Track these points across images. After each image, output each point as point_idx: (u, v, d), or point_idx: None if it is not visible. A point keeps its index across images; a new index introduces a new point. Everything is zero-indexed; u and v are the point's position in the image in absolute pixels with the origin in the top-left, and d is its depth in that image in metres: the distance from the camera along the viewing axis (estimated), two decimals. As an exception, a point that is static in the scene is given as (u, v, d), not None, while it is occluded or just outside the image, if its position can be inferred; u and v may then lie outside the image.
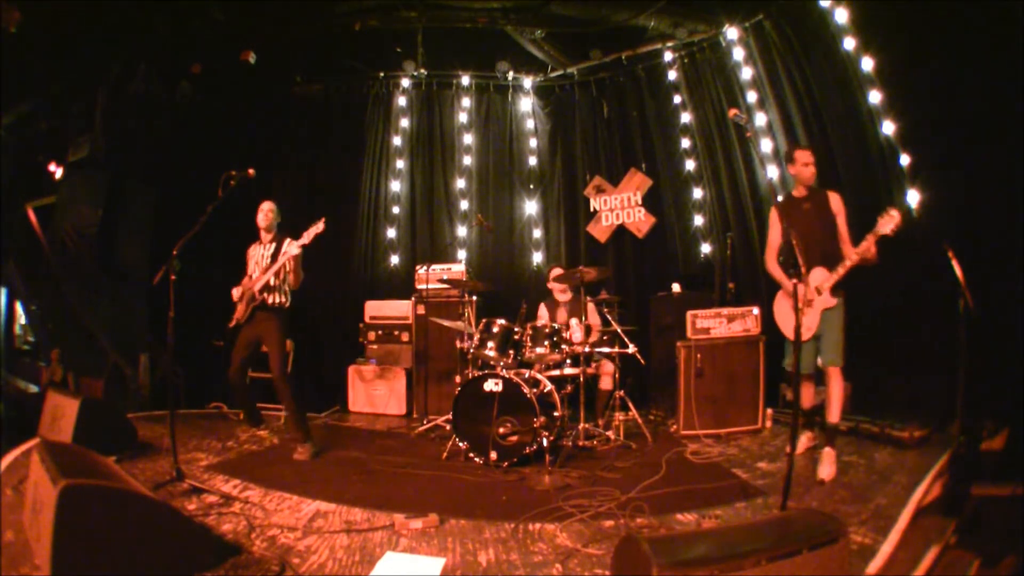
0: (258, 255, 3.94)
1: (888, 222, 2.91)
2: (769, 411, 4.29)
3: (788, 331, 3.33)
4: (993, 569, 1.87)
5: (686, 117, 5.76)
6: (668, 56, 5.77)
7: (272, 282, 3.78)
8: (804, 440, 3.55)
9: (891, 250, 4.21)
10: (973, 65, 3.55)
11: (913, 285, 4.03)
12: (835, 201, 3.28)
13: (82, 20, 4.75)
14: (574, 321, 4.37)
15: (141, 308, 5.33)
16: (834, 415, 3.14)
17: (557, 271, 4.69)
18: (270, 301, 3.79)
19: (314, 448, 3.75)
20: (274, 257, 3.80)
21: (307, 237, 3.64)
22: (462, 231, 6.23)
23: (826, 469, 3.00)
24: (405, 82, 6.39)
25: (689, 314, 4.36)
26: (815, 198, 3.29)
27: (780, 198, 3.83)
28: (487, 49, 6.09)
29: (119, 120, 5.32)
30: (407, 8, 5.57)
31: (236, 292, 3.93)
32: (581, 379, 3.94)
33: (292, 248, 3.64)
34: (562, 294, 4.80)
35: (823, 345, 3.18)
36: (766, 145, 5.08)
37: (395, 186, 6.34)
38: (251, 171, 3.21)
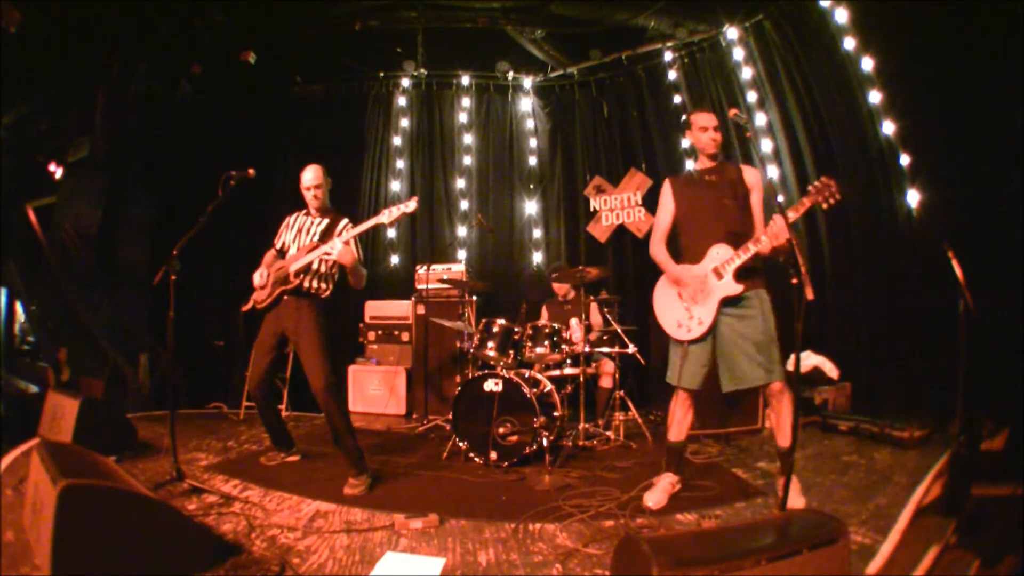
0: (305, 226, 3.27)
1: (819, 192, 2.39)
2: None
3: (669, 327, 2.75)
4: (993, 569, 1.87)
5: (686, 117, 5.75)
6: (668, 56, 5.77)
7: (315, 265, 3.13)
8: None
9: (892, 250, 4.23)
10: (973, 65, 3.55)
11: (913, 285, 4.04)
12: (750, 175, 2.72)
13: (82, 20, 4.75)
14: (574, 321, 4.37)
15: (141, 308, 5.33)
16: (784, 438, 2.59)
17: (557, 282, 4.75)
18: (306, 285, 3.13)
19: (371, 479, 3.02)
20: (325, 237, 3.14)
21: (388, 215, 2.95)
22: (462, 231, 6.22)
23: (793, 499, 2.48)
24: (405, 82, 6.39)
25: (689, 314, 4.35)
26: (724, 171, 2.75)
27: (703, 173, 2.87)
28: (487, 49, 6.09)
29: (119, 120, 5.32)
30: (407, 8, 5.57)
31: (259, 275, 3.27)
32: (581, 379, 3.94)
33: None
34: (565, 295, 4.82)
35: (753, 357, 2.58)
36: (766, 145, 5.08)
37: (395, 186, 6.34)
38: (251, 171, 3.18)
